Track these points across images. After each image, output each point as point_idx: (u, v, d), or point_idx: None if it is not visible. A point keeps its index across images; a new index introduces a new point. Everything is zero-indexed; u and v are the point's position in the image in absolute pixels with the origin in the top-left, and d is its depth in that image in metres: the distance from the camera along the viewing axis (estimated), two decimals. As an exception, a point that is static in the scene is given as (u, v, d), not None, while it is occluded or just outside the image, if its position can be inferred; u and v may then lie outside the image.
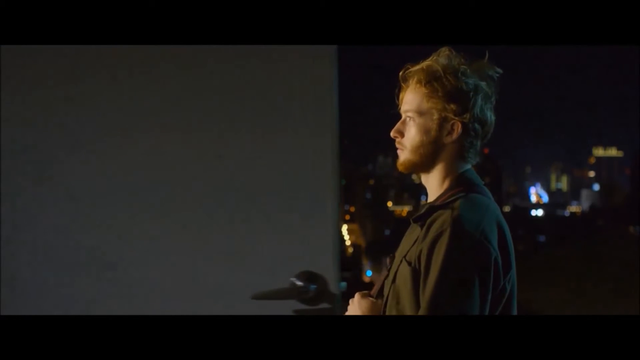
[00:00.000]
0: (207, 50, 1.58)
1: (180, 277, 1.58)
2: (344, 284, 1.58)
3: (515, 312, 1.92)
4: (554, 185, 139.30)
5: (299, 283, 1.50)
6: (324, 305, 1.52)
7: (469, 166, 1.95)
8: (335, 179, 1.61)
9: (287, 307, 1.57)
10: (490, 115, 1.93)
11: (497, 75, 1.90)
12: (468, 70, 1.88)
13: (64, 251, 1.59)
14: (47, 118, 1.60)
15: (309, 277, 1.52)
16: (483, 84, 1.90)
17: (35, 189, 1.59)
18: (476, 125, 1.90)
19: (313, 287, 1.52)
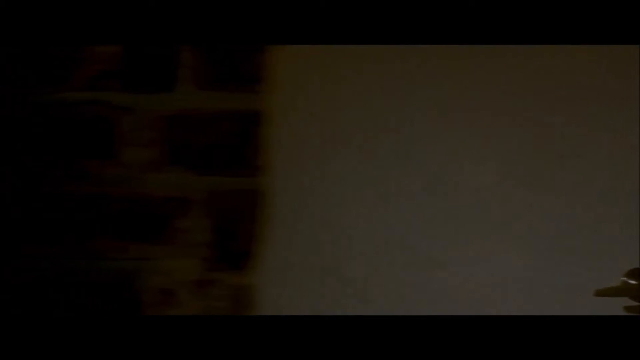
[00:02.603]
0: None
1: (520, 277, 1.57)
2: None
3: None
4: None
5: (632, 281, 1.47)
6: (655, 303, 1.49)
7: None
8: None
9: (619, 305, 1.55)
10: None
11: None
12: None
13: (391, 250, 1.57)
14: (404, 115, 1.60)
15: (642, 274, 1.49)
16: None
17: (365, 187, 1.58)
18: None
19: None
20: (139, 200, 1.58)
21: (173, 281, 1.58)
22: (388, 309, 1.60)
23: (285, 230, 1.60)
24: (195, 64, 1.58)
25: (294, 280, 1.60)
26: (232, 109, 1.58)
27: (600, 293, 1.56)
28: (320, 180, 1.61)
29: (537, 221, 1.59)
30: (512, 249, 1.58)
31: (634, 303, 1.58)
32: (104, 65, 1.58)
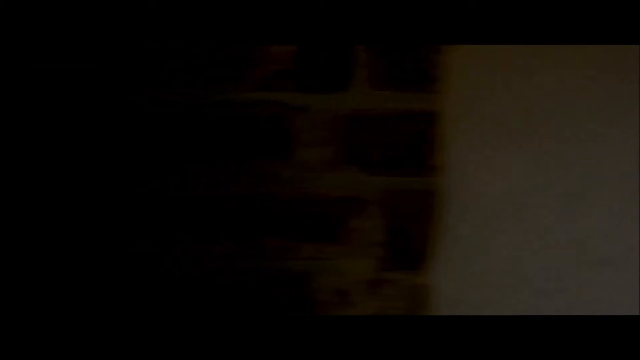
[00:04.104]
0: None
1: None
2: None
3: None
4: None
5: None
6: None
7: None
8: None
9: None
10: None
11: None
12: None
13: (570, 248, 1.56)
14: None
15: None
16: None
17: (541, 187, 1.57)
18: None
19: None
20: (313, 200, 1.58)
21: (347, 281, 1.58)
22: (567, 308, 1.59)
23: (460, 230, 1.59)
24: (369, 64, 1.57)
25: (470, 279, 1.60)
26: (407, 109, 1.57)
27: None
28: (495, 180, 1.60)
29: None
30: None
31: None
32: (278, 65, 1.58)
